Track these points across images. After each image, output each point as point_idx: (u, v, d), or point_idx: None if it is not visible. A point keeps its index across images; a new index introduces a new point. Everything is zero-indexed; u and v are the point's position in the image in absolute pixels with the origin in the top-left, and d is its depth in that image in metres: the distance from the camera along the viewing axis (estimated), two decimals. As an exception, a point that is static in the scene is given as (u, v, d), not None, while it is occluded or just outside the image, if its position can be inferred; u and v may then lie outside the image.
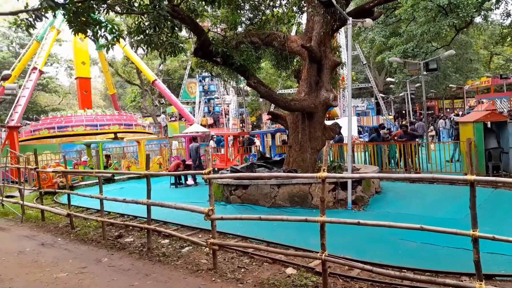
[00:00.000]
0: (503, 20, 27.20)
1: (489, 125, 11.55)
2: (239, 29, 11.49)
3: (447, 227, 4.16)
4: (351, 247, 5.98)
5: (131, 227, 7.55)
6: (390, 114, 40.19)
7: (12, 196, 12.26)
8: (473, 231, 3.74)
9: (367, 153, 14.01)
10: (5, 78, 16.66)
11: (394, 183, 11.21)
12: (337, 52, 13.32)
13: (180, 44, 9.71)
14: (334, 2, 9.24)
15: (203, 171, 5.66)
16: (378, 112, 41.04)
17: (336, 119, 27.25)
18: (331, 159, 13.30)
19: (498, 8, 25.53)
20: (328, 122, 12.49)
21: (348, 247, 5.97)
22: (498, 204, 8.58)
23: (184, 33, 13.08)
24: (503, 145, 11.25)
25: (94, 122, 25.50)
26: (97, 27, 8.57)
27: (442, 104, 48.24)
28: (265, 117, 30.38)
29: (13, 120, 21.47)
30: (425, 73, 17.27)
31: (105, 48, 8.99)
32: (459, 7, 21.52)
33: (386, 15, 24.48)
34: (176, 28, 9.52)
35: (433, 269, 4.92)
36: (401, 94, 36.46)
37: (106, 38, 8.86)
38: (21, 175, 11.65)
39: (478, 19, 25.83)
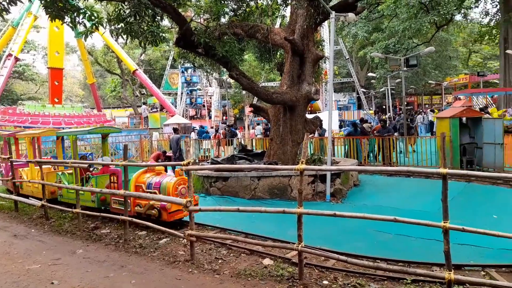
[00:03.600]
0: (482, 18, 27.95)
1: (464, 121, 11.85)
2: (223, 20, 11.37)
3: (421, 219, 4.24)
4: (329, 239, 6.08)
5: (108, 219, 7.42)
6: (371, 108, 40.77)
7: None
8: (444, 222, 3.85)
9: (346, 146, 14.19)
10: (-22, 64, 16.00)
11: (372, 176, 11.41)
12: (320, 46, 13.36)
13: (162, 34, 9.57)
14: (317, -5, 9.26)
15: (182, 163, 5.60)
16: (359, 106, 41.57)
17: (318, 112, 27.49)
18: (312, 152, 13.41)
19: (477, 6, 26.25)
20: (311, 116, 12.58)
21: (326, 238, 6.06)
22: (470, 197, 8.85)
23: (166, 22, 12.88)
24: (477, 140, 11.58)
25: (61, 125, 24.02)
26: (75, 13, 8.33)
27: (421, 99, 49.22)
28: (248, 109, 30.35)
29: (-14, 108, 20.74)
30: (405, 69, 17.53)
31: (83, 36, 8.77)
32: (440, 4, 21.91)
33: (369, 10, 24.67)
34: (157, 17, 9.35)
35: (406, 260, 5.05)
36: (381, 89, 36.99)
37: (85, 25, 8.63)
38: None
39: (458, 17, 26.45)
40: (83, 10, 8.35)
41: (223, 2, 11.08)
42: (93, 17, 8.36)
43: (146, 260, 5.44)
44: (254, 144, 16.68)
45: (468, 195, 9.01)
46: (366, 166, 10.84)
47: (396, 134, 15.96)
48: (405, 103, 20.24)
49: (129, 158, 8.38)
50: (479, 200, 8.70)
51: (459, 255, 5.04)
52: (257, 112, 12.37)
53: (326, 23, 26.45)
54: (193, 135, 19.87)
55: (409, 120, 20.58)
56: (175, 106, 36.02)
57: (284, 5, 12.59)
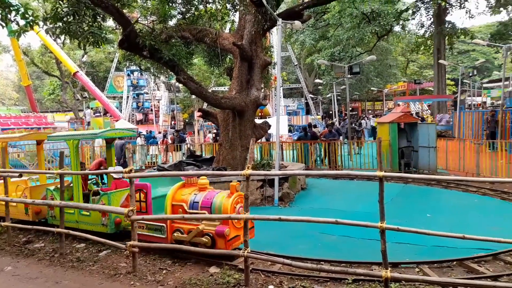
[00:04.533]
0: (418, 30, 30.15)
1: (402, 126, 12.61)
2: (171, 23, 11.15)
3: (363, 220, 4.41)
4: (275, 243, 6.13)
5: (42, 232, 6.89)
6: (319, 114, 42.16)
7: None
8: (380, 223, 4.03)
9: (295, 151, 14.51)
10: None
11: (318, 180, 11.74)
12: (269, 52, 13.55)
13: (104, 34, 9.17)
14: (265, 2, 9.39)
15: (123, 170, 5.36)
16: (308, 112, 42.81)
17: (268, 117, 27.86)
18: (261, 157, 13.53)
19: (414, 19, 28.26)
20: (260, 121, 12.69)
21: (272, 243, 6.11)
22: (407, 198, 9.43)
23: (111, 22, 12.36)
24: (413, 144, 12.38)
25: (-5, 127, 21.62)
26: (6, 10, 7.70)
27: (364, 105, 51.80)
28: (197, 114, 29.99)
29: None
30: (349, 76, 18.36)
31: (16, 35, 8.14)
32: (380, 15, 23.29)
33: (316, 19, 25.55)
34: (98, 17, 8.95)
35: (348, 260, 5.24)
36: (328, 95, 38.39)
37: (18, 23, 8.01)
38: None
39: (397, 28, 28.26)
40: (16, 7, 7.76)
41: (170, 4, 10.88)
42: (27, 15, 7.79)
43: (84, 274, 5.12)
44: (203, 149, 16.50)
45: (405, 196, 9.59)
46: (311, 170, 11.15)
47: (341, 138, 16.61)
48: (350, 108, 21.17)
49: (68, 165, 7.78)
50: (415, 200, 9.29)
51: (396, 254, 5.33)
52: (206, 117, 12.24)
53: (275, 29, 26.99)
54: (139, 140, 19.18)
55: (356, 124, 21.58)
56: (120, 111, 34.62)
57: (233, 10, 12.64)
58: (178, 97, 29.65)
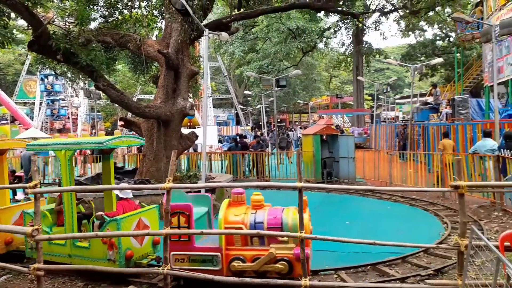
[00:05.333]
0: (340, 48, 32.41)
1: (324, 137, 13.28)
2: (91, 26, 10.50)
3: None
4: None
5: None
6: (248, 124, 42.82)
7: None
8: (300, 232, 4.13)
9: (225, 161, 14.47)
10: None
11: (247, 191, 11.74)
12: (198, 62, 13.42)
13: (11, 34, 8.33)
14: (191, 12, 9.27)
15: (27, 185, 4.80)
16: (238, 122, 43.25)
17: (198, 127, 27.52)
18: (188, 168, 13.25)
19: (335, 37, 30.36)
20: (187, 131, 12.42)
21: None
22: (329, 206, 9.91)
23: (23, 21, 11.27)
24: (334, 155, 13.09)
25: None
26: None
27: (292, 117, 53.89)
28: (120, 123, 28.53)
29: None
30: (276, 88, 18.91)
31: None
32: (305, 32, 24.58)
33: (245, 31, 26.09)
34: (4, 16, 8.09)
35: (271, 271, 5.25)
36: (257, 107, 39.24)
37: None
38: None
39: (320, 45, 30.04)
40: None
41: (91, 6, 10.23)
42: None
43: (-25, 306, 4.44)
44: (127, 160, 15.66)
45: (328, 204, 10.06)
46: (238, 181, 11.19)
47: (269, 149, 16.98)
48: (278, 120, 21.80)
49: None
50: (336, 208, 9.79)
51: (318, 261, 5.49)
52: (128, 126, 11.68)
53: (203, 39, 26.96)
54: (52, 151, 17.57)
55: (286, 135, 22.33)
56: (32, 118, 31.47)
57: (161, 17, 12.32)
58: (100, 104, 27.91)
